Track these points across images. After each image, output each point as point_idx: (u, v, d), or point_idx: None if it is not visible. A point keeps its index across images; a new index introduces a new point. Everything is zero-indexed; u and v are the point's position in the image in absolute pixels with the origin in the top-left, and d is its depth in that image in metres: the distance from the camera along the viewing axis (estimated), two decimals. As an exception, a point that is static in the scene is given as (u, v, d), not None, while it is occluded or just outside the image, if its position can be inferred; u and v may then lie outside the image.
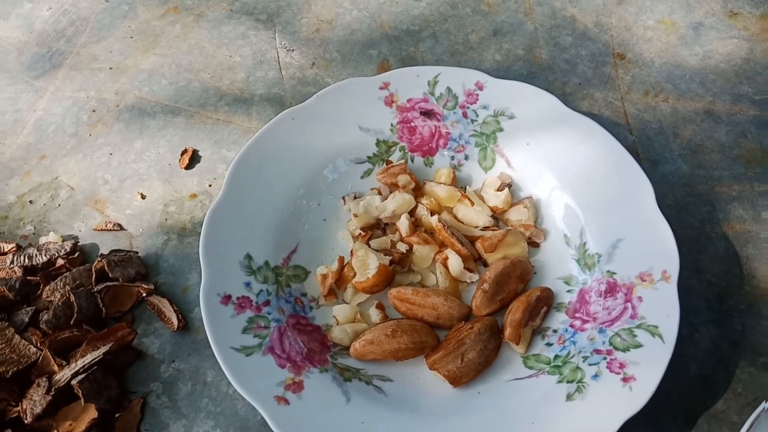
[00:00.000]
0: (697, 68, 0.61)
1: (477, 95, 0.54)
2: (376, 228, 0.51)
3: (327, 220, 0.51)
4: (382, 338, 0.44)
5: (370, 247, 0.49)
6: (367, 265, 0.47)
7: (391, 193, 0.51)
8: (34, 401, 0.42)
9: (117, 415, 0.43)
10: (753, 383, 0.45)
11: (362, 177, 0.53)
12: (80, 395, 0.42)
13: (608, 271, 0.46)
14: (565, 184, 0.50)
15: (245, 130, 0.58)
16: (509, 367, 0.44)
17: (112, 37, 0.66)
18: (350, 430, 0.39)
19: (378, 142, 0.53)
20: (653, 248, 0.45)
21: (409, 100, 0.54)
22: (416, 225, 0.50)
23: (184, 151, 0.57)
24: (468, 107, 0.54)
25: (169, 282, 0.50)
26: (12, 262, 0.48)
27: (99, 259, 0.48)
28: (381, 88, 0.54)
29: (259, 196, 0.49)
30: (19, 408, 0.42)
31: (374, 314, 0.46)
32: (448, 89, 0.54)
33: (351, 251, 0.48)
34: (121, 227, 0.53)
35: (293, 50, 0.64)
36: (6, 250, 0.50)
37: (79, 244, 0.52)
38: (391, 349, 0.43)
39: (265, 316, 0.44)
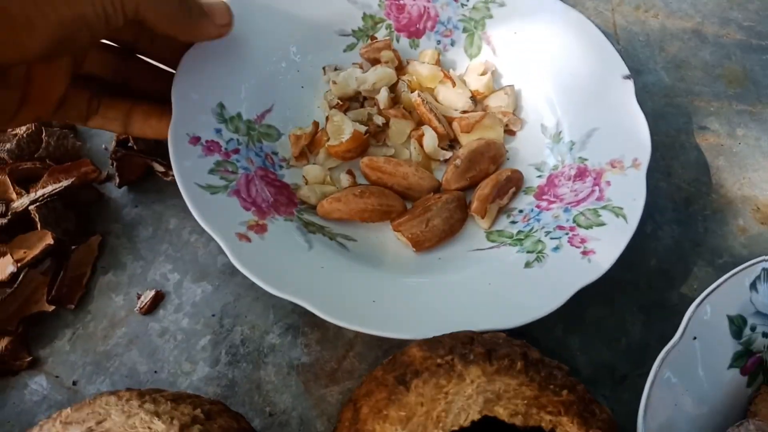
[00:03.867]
0: (691, -11, 0.61)
1: (470, -21, 0.53)
2: (354, 101, 0.50)
3: (305, 87, 0.50)
4: (350, 197, 0.43)
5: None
6: (342, 130, 0.46)
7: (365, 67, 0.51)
8: (-11, 223, 0.41)
9: (73, 248, 0.43)
10: (709, 282, 0.43)
11: (345, 51, 0.52)
12: (36, 220, 0.41)
13: (580, 158, 0.46)
14: (548, 74, 0.50)
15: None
16: (472, 239, 0.45)
17: None
18: (309, 272, 0.39)
19: (365, 16, 0.52)
20: (627, 138, 0.45)
21: (400, -23, 0.53)
22: (395, 102, 0.50)
23: None
24: (461, -10, 0.53)
25: (137, 132, 0.49)
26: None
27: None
28: (372, -40, 0.53)
29: (239, 48, 0.47)
30: (-27, 229, 0.41)
31: (344, 179, 0.46)
32: (440, -30, 0.53)
33: (326, 117, 0.48)
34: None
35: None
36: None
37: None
38: (357, 208, 0.43)
39: (234, 162, 0.43)
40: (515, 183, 0.46)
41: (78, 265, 0.42)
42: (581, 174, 0.45)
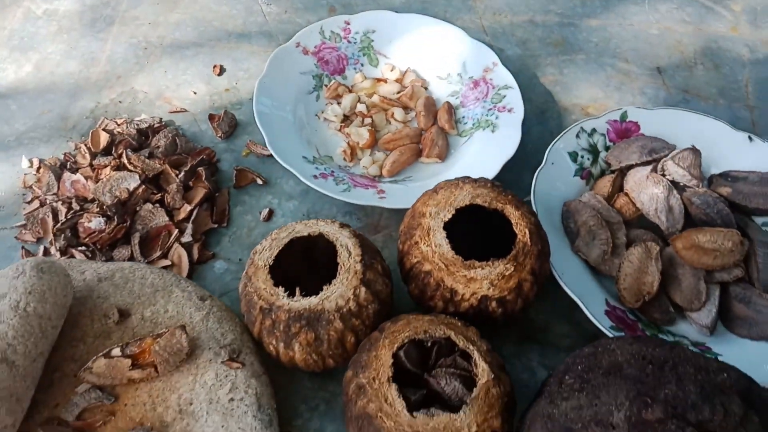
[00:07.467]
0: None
1: (349, 29, 0.88)
2: (345, 120, 0.83)
3: (317, 129, 0.82)
4: (398, 156, 0.78)
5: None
6: (361, 134, 0.80)
7: (337, 102, 0.84)
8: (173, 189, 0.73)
9: (216, 195, 0.75)
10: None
11: (317, 100, 0.85)
12: (202, 176, 0.74)
13: (470, 77, 0.85)
14: (420, 53, 0.88)
15: (251, 53, 0.92)
16: (457, 142, 0.82)
17: (144, 4, 0.98)
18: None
19: (314, 76, 0.85)
20: (479, 56, 0.85)
21: (315, 47, 0.86)
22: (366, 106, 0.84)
23: (215, 66, 0.89)
24: (349, 35, 0.88)
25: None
26: (128, 126, 0.79)
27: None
28: (296, 47, 0.85)
29: (282, 129, 0.78)
30: (159, 195, 0.72)
31: (378, 155, 0.80)
32: (332, 32, 0.88)
33: (347, 134, 0.81)
34: (186, 110, 0.84)
35: (271, 4, 0.98)
36: (120, 121, 0.80)
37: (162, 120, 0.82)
38: (404, 159, 0.78)
39: (337, 176, 0.75)
40: (451, 106, 0.84)
41: (221, 204, 0.75)
42: (476, 84, 0.85)
